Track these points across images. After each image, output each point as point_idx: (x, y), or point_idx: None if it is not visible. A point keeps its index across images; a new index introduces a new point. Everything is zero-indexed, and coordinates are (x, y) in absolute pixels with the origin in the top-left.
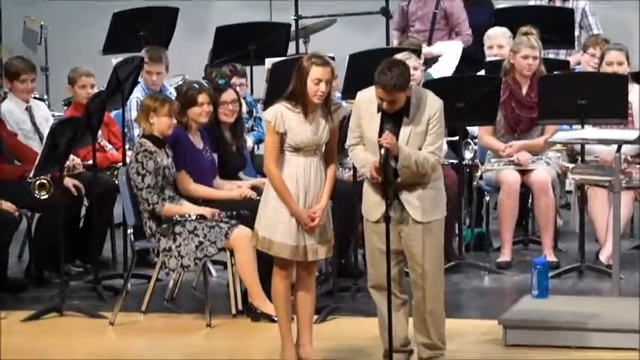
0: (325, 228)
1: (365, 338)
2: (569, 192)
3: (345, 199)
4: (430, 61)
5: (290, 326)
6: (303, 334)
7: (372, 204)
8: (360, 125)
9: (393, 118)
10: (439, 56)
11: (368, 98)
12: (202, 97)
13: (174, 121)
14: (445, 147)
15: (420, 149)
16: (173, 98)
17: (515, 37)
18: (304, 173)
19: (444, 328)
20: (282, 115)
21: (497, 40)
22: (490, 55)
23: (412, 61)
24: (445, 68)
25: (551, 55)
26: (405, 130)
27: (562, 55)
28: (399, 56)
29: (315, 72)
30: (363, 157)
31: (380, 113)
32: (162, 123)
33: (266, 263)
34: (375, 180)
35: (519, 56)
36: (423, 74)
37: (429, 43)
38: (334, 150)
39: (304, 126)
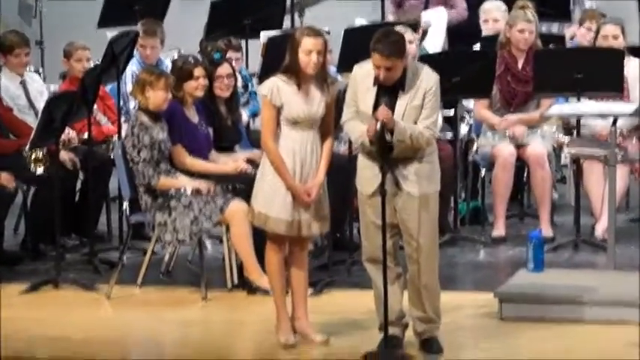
0: (321, 204)
1: (360, 311)
2: (565, 166)
3: (340, 172)
4: (422, 34)
5: (285, 299)
6: (299, 308)
7: (367, 178)
8: (356, 99)
9: (389, 91)
10: (428, 27)
11: (364, 72)
12: (198, 71)
13: (170, 95)
14: (440, 121)
15: (416, 123)
16: (169, 72)
17: (511, 10)
18: (300, 147)
19: (439, 301)
20: (278, 88)
21: (493, 13)
22: (486, 29)
23: (407, 35)
24: (436, 38)
25: (543, 29)
26: (400, 104)
27: (554, 29)
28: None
29: (307, 42)
30: (360, 129)
31: (376, 87)
32: (158, 97)
33: (261, 237)
34: (373, 135)
35: (515, 30)
36: (419, 48)
37: None
38: (330, 124)
39: (300, 99)
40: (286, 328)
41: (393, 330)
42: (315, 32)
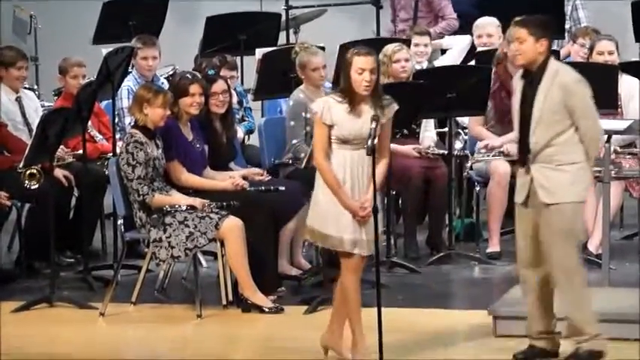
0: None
1: None
2: None
3: None
4: (438, 52)
5: (361, 318)
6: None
7: (517, 186)
8: None
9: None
10: (447, 49)
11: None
12: (194, 88)
13: (168, 112)
14: (435, 137)
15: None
16: (166, 89)
17: (505, 26)
18: (351, 165)
19: (585, 314)
20: (330, 107)
21: (486, 29)
22: (480, 45)
23: (403, 53)
24: (450, 61)
25: None
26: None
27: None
28: (390, 47)
29: (358, 62)
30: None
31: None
32: (156, 114)
33: (256, 254)
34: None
35: (513, 46)
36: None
37: None
38: (385, 144)
39: (351, 119)
40: (363, 348)
41: (538, 343)
42: (367, 51)
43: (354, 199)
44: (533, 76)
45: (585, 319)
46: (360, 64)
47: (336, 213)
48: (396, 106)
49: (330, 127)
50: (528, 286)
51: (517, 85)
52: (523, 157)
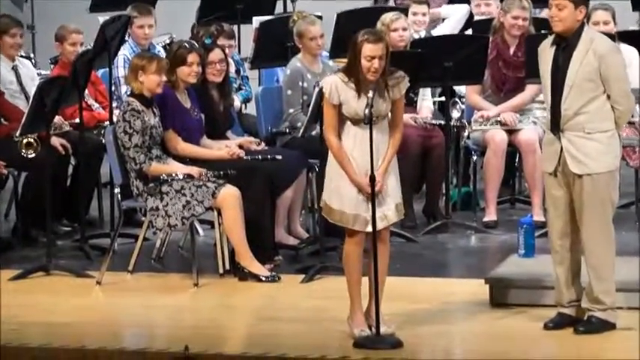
0: (389, 192)
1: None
2: None
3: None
4: (436, 21)
5: (360, 291)
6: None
7: (546, 154)
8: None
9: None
10: (445, 18)
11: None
12: (192, 57)
13: (164, 78)
14: (432, 106)
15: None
16: (162, 56)
17: None
18: (362, 142)
19: (610, 285)
20: (337, 87)
21: None
22: (478, 14)
23: (401, 22)
24: (448, 30)
25: (536, 12)
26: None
27: (543, 15)
28: (388, 16)
29: (367, 49)
30: None
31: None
32: (151, 81)
33: (252, 223)
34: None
35: (510, 16)
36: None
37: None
38: (398, 121)
39: (358, 99)
40: (360, 320)
41: (567, 310)
42: (376, 38)
43: (367, 176)
44: (567, 43)
45: (605, 289)
46: (370, 52)
47: (342, 188)
48: (407, 83)
49: (339, 105)
50: (560, 256)
51: (546, 52)
52: (554, 124)
